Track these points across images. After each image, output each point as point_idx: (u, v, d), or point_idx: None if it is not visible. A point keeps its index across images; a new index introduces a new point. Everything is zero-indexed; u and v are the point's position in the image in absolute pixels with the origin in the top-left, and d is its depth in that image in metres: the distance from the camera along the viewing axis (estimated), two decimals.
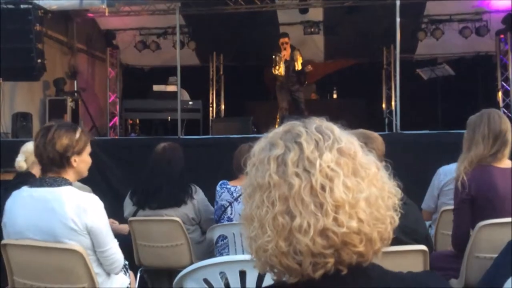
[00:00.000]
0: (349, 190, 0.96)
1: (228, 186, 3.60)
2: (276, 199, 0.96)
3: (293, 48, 8.50)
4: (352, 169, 0.99)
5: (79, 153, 2.45)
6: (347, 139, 1.03)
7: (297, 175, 0.96)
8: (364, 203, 0.96)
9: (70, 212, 2.33)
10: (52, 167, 2.41)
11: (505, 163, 2.91)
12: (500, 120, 2.92)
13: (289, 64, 8.43)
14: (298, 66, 8.40)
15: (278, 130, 1.06)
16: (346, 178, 0.97)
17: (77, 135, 2.45)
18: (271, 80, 9.37)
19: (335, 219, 0.94)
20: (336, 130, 1.04)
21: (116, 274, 2.56)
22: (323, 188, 0.95)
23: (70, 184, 2.42)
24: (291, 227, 0.94)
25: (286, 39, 8.44)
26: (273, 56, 8.45)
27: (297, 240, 0.94)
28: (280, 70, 8.43)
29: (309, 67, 8.52)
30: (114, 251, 2.49)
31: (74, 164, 2.43)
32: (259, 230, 0.98)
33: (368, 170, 1.00)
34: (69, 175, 2.44)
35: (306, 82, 9.06)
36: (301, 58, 8.47)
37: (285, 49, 8.38)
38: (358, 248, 0.96)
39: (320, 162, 0.97)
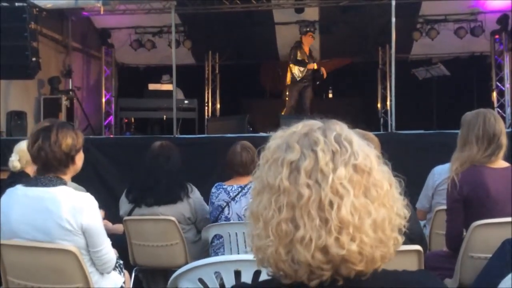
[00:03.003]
0: (356, 211, 0.94)
1: (224, 186, 3.59)
2: (283, 205, 0.95)
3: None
4: (364, 188, 0.97)
5: (79, 150, 2.51)
6: (364, 153, 1.00)
7: (308, 186, 0.95)
8: (369, 226, 0.95)
9: (65, 212, 2.33)
10: (59, 168, 2.43)
11: (499, 164, 2.92)
12: (495, 123, 2.91)
13: (309, 61, 8.53)
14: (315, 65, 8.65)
15: (297, 129, 1.03)
16: (356, 198, 0.95)
17: (76, 133, 2.52)
18: (267, 80, 9.40)
19: (337, 239, 0.93)
20: (355, 142, 1.01)
21: (108, 273, 2.57)
22: (331, 204, 0.94)
23: (65, 184, 2.43)
24: (293, 237, 0.94)
25: (312, 33, 8.83)
26: (296, 51, 8.63)
27: (296, 251, 0.93)
28: (300, 72, 8.61)
29: (323, 69, 8.81)
30: (108, 251, 2.50)
31: (76, 161, 2.50)
32: (262, 231, 0.97)
33: (380, 190, 0.98)
34: (70, 173, 2.49)
35: (321, 79, 9.18)
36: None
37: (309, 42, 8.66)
38: (358, 267, 0.95)
39: (333, 176, 0.95)
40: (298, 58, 8.56)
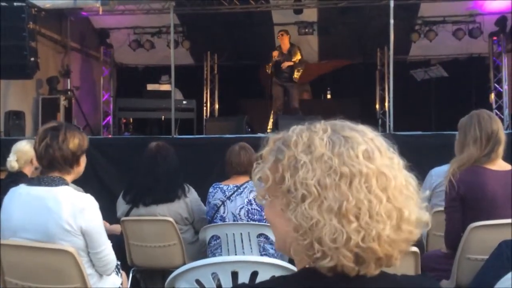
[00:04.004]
0: (416, 184, 1.05)
1: (221, 186, 3.61)
2: (377, 189, 0.98)
3: (292, 45, 8.73)
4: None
5: (84, 152, 2.54)
6: None
7: (387, 168, 1.00)
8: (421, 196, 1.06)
9: (66, 212, 2.33)
10: (64, 166, 2.44)
11: (498, 165, 2.91)
12: (490, 120, 2.91)
13: (285, 59, 8.57)
14: (290, 62, 8.67)
15: (331, 126, 1.05)
16: (410, 174, 1.05)
17: (82, 135, 2.54)
18: (266, 79, 9.44)
19: (418, 209, 1.01)
20: None
21: (109, 275, 2.56)
22: (405, 183, 1.02)
23: (67, 184, 2.44)
24: (399, 217, 0.98)
25: (282, 32, 8.82)
26: (272, 52, 8.77)
27: (404, 230, 0.98)
28: (269, 69, 8.72)
29: (285, 64, 8.71)
30: (108, 252, 2.50)
31: (81, 163, 2.53)
32: (368, 220, 0.96)
33: None
34: (72, 174, 2.50)
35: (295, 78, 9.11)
36: (299, 55, 8.70)
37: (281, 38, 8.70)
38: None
39: (395, 159, 1.04)
40: (273, 57, 8.74)
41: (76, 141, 2.46)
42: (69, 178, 2.48)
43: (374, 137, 1.05)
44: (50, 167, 2.44)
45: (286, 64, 8.66)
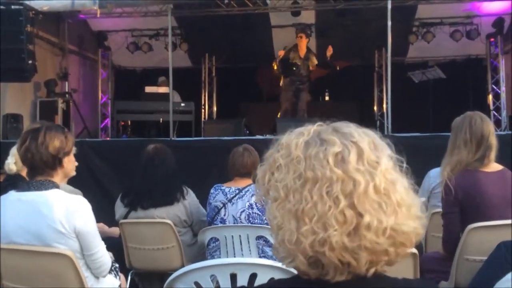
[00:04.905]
0: (407, 192, 1.01)
1: (223, 188, 3.59)
2: (339, 194, 0.95)
3: (309, 50, 8.68)
4: (401, 173, 1.04)
5: (68, 153, 2.47)
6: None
7: (361, 173, 0.97)
8: (416, 205, 1.01)
9: (58, 215, 2.32)
10: (45, 170, 2.40)
11: (492, 167, 2.91)
12: (482, 124, 2.88)
13: (302, 63, 8.54)
14: (313, 65, 8.58)
15: (318, 128, 1.05)
16: (403, 180, 1.02)
17: (66, 135, 2.47)
18: (264, 83, 9.46)
19: (397, 219, 0.97)
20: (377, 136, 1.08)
21: (104, 277, 2.55)
22: (386, 189, 0.98)
23: (57, 187, 2.42)
24: (359, 224, 0.94)
25: (302, 35, 8.65)
26: (289, 53, 8.59)
27: (364, 237, 0.94)
28: (276, 69, 8.65)
29: (330, 49, 8.44)
30: (102, 254, 2.49)
31: (65, 165, 2.46)
32: (318, 224, 0.95)
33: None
34: (59, 176, 2.46)
35: (338, 67, 9.02)
36: (315, 60, 8.67)
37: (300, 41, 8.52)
38: (408, 248, 0.99)
39: (382, 164, 1.00)
40: (290, 60, 8.56)
41: (56, 143, 2.39)
42: (57, 179, 2.44)
43: (362, 140, 1.02)
44: (32, 171, 2.42)
45: (331, 49, 8.35)
